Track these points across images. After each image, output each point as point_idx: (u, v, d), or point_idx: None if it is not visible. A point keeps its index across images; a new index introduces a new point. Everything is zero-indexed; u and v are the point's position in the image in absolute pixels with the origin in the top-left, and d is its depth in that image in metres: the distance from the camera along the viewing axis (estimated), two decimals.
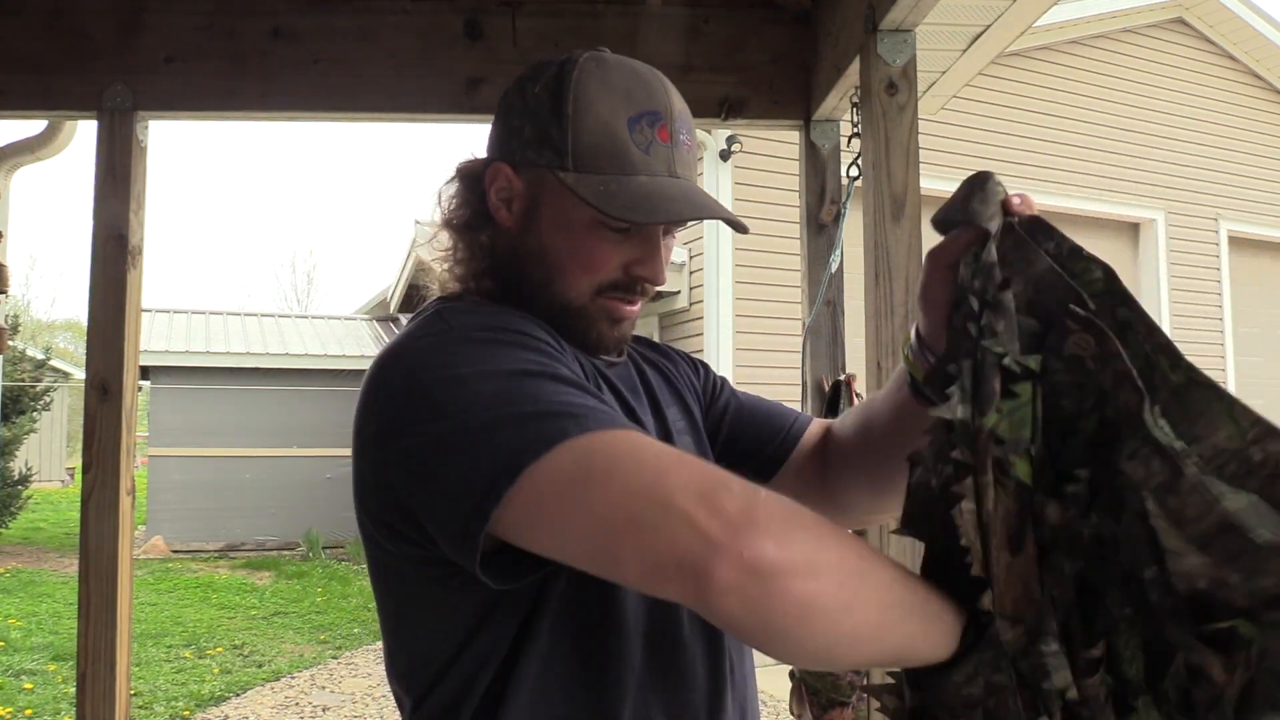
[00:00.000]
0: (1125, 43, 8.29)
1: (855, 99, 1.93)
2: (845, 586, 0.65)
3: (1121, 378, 0.66)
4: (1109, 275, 0.71)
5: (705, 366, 1.23)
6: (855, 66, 1.86)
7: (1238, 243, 8.80)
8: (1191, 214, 8.46)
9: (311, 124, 6.53)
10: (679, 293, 7.10)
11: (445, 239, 1.02)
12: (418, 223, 8.27)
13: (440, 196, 1.03)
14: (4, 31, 2.15)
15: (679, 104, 0.95)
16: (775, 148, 6.49)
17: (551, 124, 0.92)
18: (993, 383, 0.70)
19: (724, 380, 1.23)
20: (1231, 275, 8.72)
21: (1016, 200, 0.78)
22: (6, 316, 3.03)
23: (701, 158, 6.80)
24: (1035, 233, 0.75)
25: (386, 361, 0.85)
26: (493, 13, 2.22)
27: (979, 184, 0.79)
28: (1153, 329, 0.67)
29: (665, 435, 1.03)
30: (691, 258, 7.00)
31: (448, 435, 0.75)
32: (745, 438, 1.15)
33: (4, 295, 3.15)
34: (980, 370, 0.71)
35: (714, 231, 6.68)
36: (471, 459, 0.73)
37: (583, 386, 0.79)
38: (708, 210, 0.93)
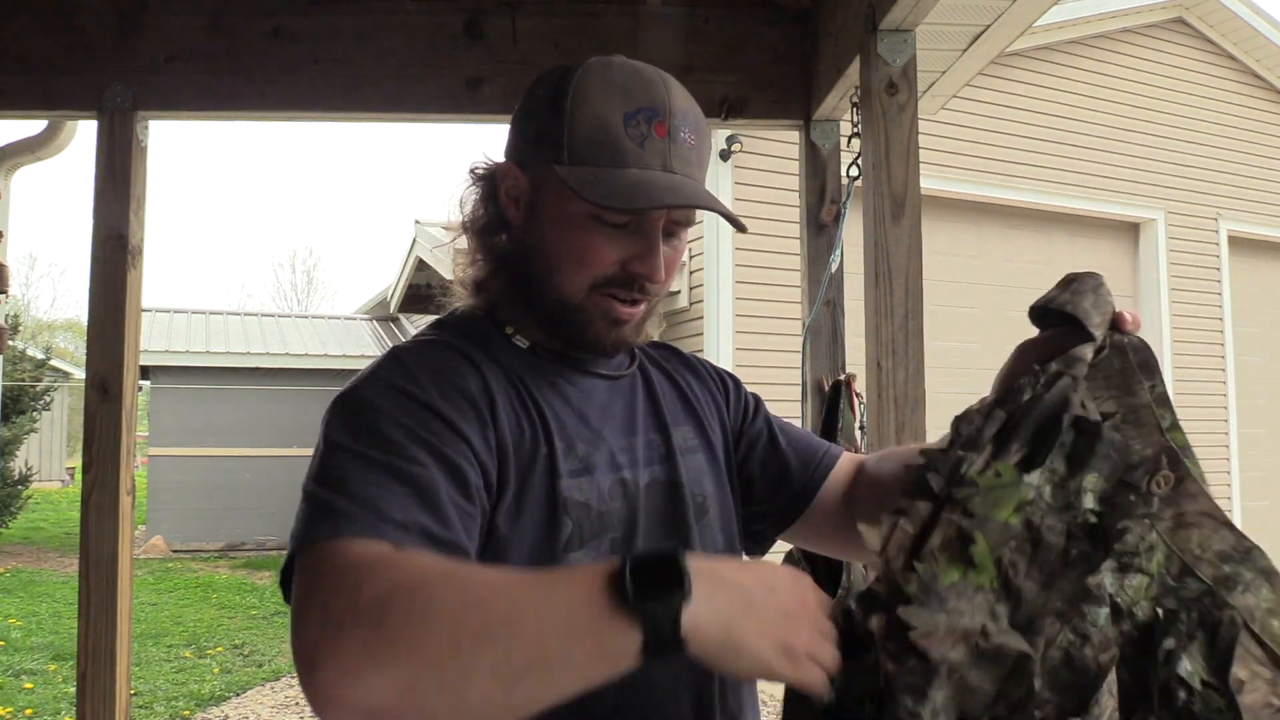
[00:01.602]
0: (1125, 43, 8.28)
1: (855, 99, 1.93)
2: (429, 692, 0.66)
3: (1208, 518, 0.70)
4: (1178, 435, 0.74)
5: (737, 385, 1.20)
6: (855, 66, 1.86)
7: (1238, 243, 8.80)
8: (1191, 214, 8.46)
9: (311, 124, 6.53)
10: (679, 293, 7.09)
11: (464, 242, 1.05)
12: (418, 223, 8.26)
13: (461, 201, 1.05)
14: (4, 31, 2.15)
15: (682, 102, 0.95)
16: (775, 148, 6.49)
17: (551, 120, 0.95)
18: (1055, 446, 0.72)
19: (758, 403, 1.20)
20: (1231, 275, 8.71)
21: (1129, 317, 0.77)
22: (6, 316, 3.03)
23: None
24: (1145, 365, 0.74)
25: (339, 395, 0.92)
26: (493, 13, 2.22)
27: (1092, 285, 0.77)
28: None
29: (668, 453, 1.03)
30: (691, 257, 6.99)
31: (306, 489, 0.85)
32: (773, 468, 1.14)
33: (4, 295, 3.15)
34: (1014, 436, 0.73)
35: (714, 231, 6.68)
36: (301, 516, 0.82)
37: (411, 470, 0.81)
38: (693, 199, 0.92)
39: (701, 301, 6.77)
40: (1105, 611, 0.67)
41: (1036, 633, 0.66)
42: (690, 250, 6.99)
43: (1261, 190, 8.85)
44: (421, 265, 8.14)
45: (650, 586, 0.66)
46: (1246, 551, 0.70)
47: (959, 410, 0.77)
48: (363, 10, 2.21)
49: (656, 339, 1.16)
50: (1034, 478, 0.70)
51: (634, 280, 0.96)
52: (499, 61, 2.22)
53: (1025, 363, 0.79)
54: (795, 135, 2.35)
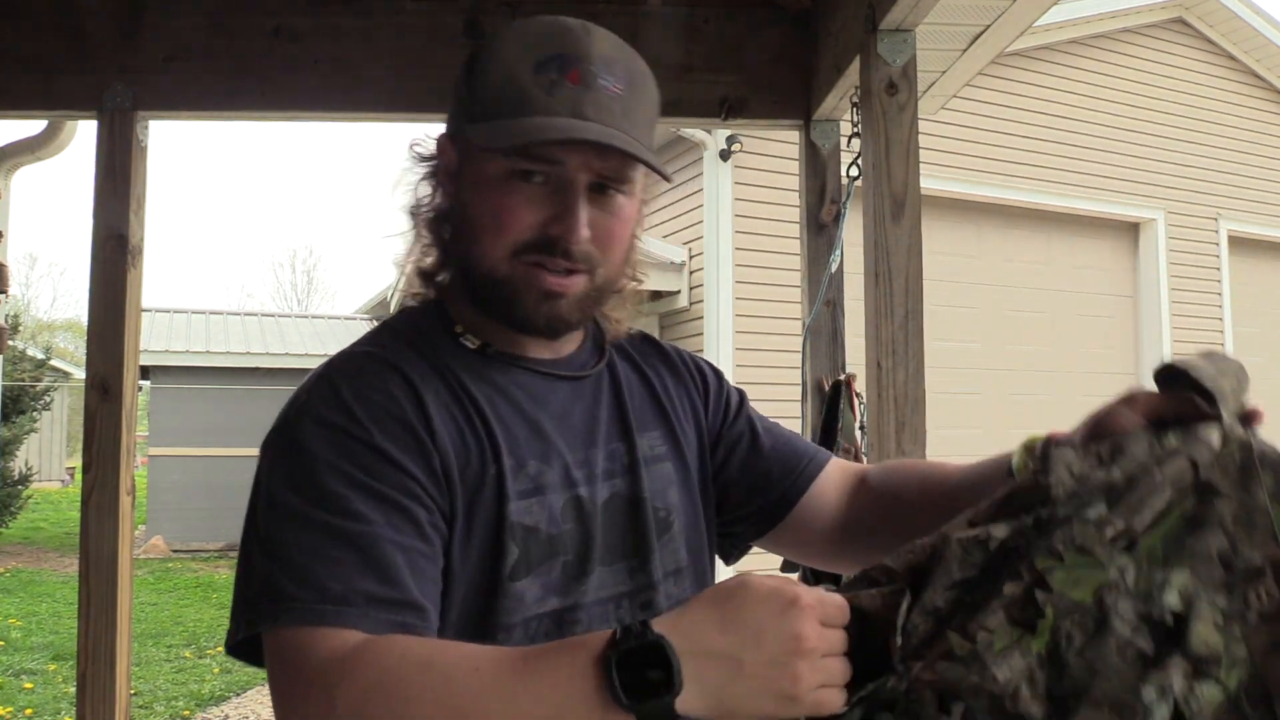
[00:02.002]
0: (1125, 43, 8.28)
1: (855, 99, 1.93)
2: None
3: None
4: None
5: (719, 380, 1.12)
6: (855, 66, 1.86)
7: (1238, 243, 8.80)
8: (1191, 214, 8.46)
9: (311, 124, 6.53)
10: (679, 293, 7.09)
11: (415, 232, 0.99)
12: None
13: (406, 184, 0.98)
14: (4, 31, 2.15)
15: (609, 50, 0.89)
16: (775, 148, 6.48)
17: (466, 82, 0.90)
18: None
19: (742, 401, 1.12)
20: (1231, 275, 8.72)
21: (1263, 415, 0.73)
22: (6, 316, 3.03)
23: (701, 158, 6.80)
24: (1271, 466, 0.68)
25: (274, 424, 0.87)
26: (493, 13, 2.22)
27: (1237, 368, 0.73)
28: None
29: (631, 464, 0.96)
30: (691, 258, 7.00)
31: (246, 542, 0.82)
32: (753, 473, 1.07)
33: (4, 295, 3.15)
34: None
35: (714, 232, 6.68)
36: (242, 580, 0.81)
37: (354, 529, 0.77)
38: (588, 136, 0.83)
39: (701, 301, 6.77)
40: (1165, 712, 0.62)
41: (1070, 713, 0.63)
42: (690, 250, 6.99)
43: (1261, 190, 8.85)
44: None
45: (639, 685, 0.64)
46: None
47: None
48: (363, 10, 2.21)
49: (647, 333, 1.11)
50: (1123, 559, 0.66)
51: (554, 244, 0.86)
52: None
53: (1131, 418, 0.74)
54: (795, 135, 2.35)
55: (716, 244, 6.67)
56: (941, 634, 0.67)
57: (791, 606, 0.66)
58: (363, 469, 0.79)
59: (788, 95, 2.29)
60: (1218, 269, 8.61)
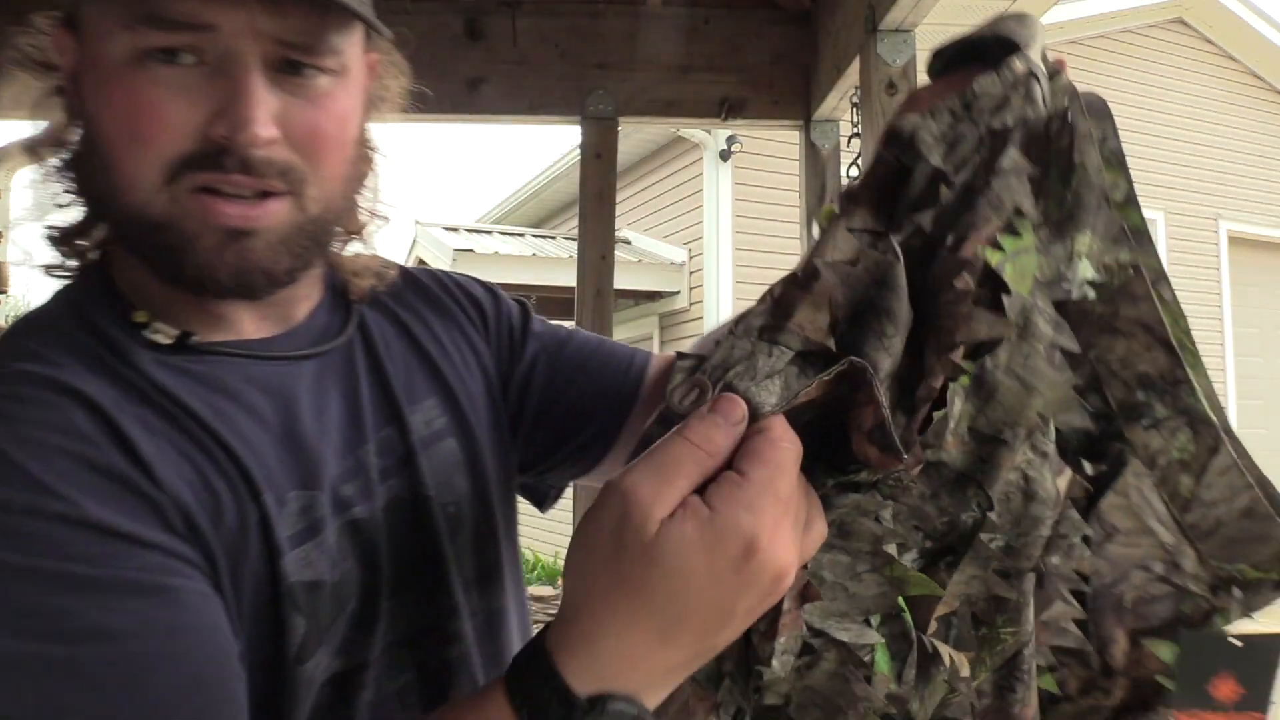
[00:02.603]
0: (1125, 43, 8.28)
1: (855, 99, 1.93)
2: None
3: (1143, 330, 0.53)
4: (1135, 202, 0.54)
5: (496, 300, 0.85)
6: (855, 66, 1.86)
7: (1237, 243, 8.80)
8: (1191, 214, 8.46)
9: None
10: (679, 293, 7.10)
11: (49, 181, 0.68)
12: (418, 223, 8.27)
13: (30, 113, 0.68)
14: (4, 31, 2.15)
15: None
16: (775, 148, 6.48)
17: None
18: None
19: (526, 316, 0.86)
20: (1231, 275, 8.72)
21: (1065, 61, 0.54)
22: (6, 316, 3.03)
23: (701, 158, 6.80)
24: (1097, 113, 0.53)
25: None
26: (493, 13, 2.22)
27: (1017, 17, 0.54)
28: (1168, 282, 0.54)
29: (407, 454, 0.71)
30: (691, 258, 7.00)
31: None
32: (563, 406, 0.83)
33: (4, 294, 3.16)
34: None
35: (714, 232, 6.69)
36: None
37: (102, 654, 0.51)
38: None
39: (701, 302, 6.77)
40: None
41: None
42: (690, 250, 6.99)
43: (1261, 190, 8.85)
44: (422, 265, 8.15)
45: None
46: (1175, 384, 0.52)
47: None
48: None
49: (404, 266, 0.82)
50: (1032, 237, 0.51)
51: (223, 153, 0.58)
52: (499, 62, 2.22)
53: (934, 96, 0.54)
54: (795, 135, 2.35)
55: (716, 244, 6.67)
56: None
57: (750, 556, 0.44)
58: (79, 560, 0.52)
59: (788, 95, 2.29)
60: (1217, 269, 8.61)
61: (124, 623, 0.52)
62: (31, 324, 0.64)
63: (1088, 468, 0.53)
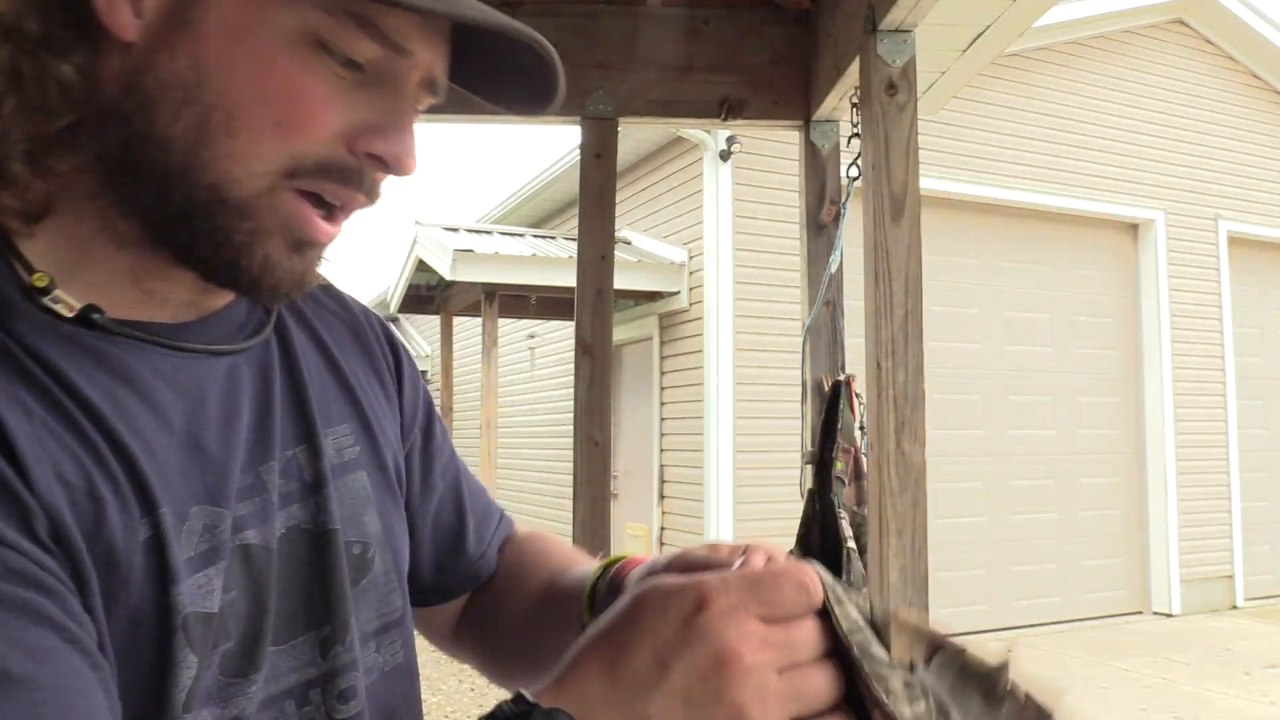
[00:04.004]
0: (1125, 43, 8.28)
1: (855, 99, 1.93)
2: None
3: None
4: None
5: (414, 370, 0.78)
6: (855, 67, 1.86)
7: (1237, 243, 8.80)
8: (1191, 214, 8.46)
9: None
10: (679, 293, 7.10)
11: None
12: (418, 223, 8.27)
13: None
14: None
15: None
16: (775, 148, 6.49)
17: None
18: None
19: (431, 409, 0.79)
20: (1231, 275, 8.72)
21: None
22: None
23: (701, 158, 6.81)
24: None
25: None
26: None
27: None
28: None
29: (316, 480, 0.63)
30: (691, 258, 7.00)
31: None
32: (439, 527, 0.78)
33: None
34: None
35: (714, 232, 6.68)
36: None
37: None
38: (485, 15, 0.55)
39: (701, 302, 6.77)
40: None
41: None
42: (690, 251, 6.99)
43: (1261, 190, 8.85)
44: (422, 266, 8.14)
45: None
46: None
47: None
48: None
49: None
50: None
51: (363, 169, 0.56)
52: None
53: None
54: (795, 135, 2.35)
55: (716, 244, 6.67)
56: None
57: (699, 611, 0.43)
58: None
59: (788, 95, 2.29)
60: (1217, 269, 8.62)
61: None
62: None
63: None
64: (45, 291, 0.53)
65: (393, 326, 0.79)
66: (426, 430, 0.77)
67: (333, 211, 0.57)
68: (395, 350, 0.76)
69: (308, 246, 0.57)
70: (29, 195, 0.52)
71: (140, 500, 0.52)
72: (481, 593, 0.82)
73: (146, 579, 0.51)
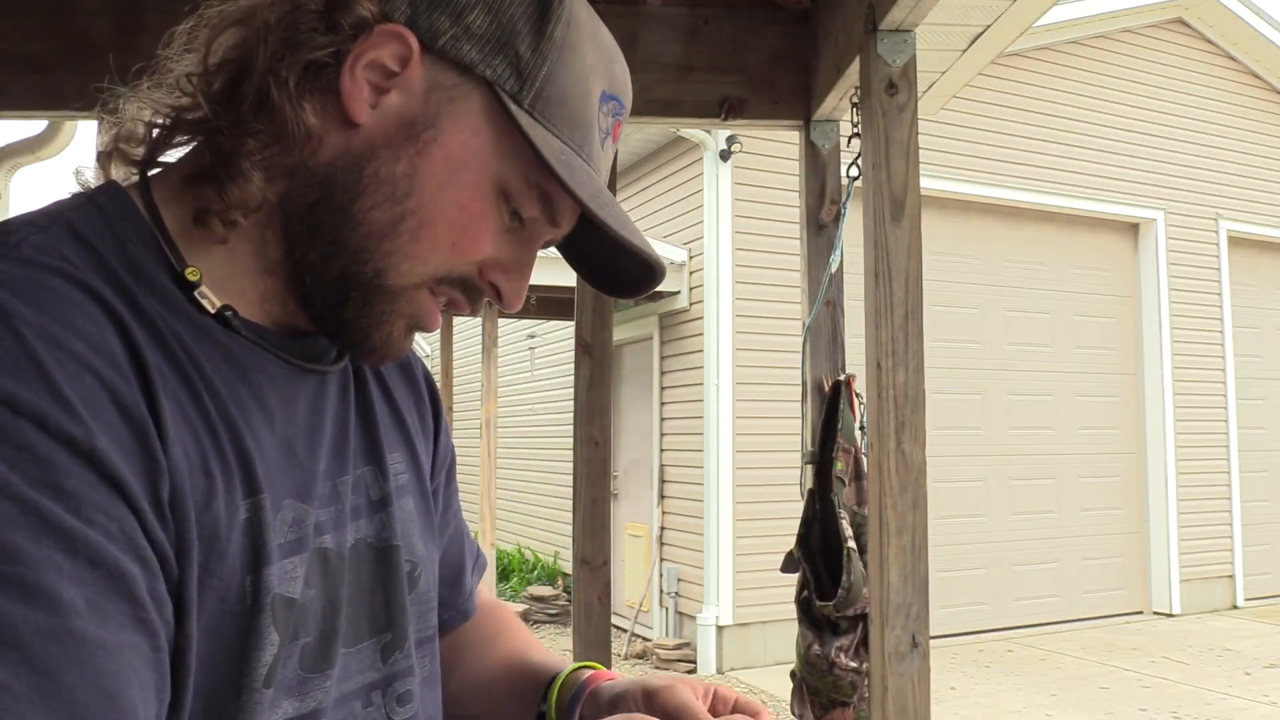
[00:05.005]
0: (1125, 43, 8.29)
1: (855, 99, 1.93)
2: None
3: None
4: None
5: (441, 415, 0.85)
6: (855, 66, 1.86)
7: (1237, 242, 8.80)
8: (1191, 214, 8.46)
9: None
10: (679, 293, 7.10)
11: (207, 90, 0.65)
12: None
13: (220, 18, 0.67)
14: (4, 31, 2.15)
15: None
16: (775, 148, 6.49)
17: (525, 33, 0.61)
18: None
19: (452, 461, 0.87)
20: (1231, 275, 8.72)
21: None
22: None
23: (701, 158, 6.81)
24: None
25: None
26: None
27: None
28: None
29: (382, 498, 0.71)
30: (691, 258, 7.00)
31: None
32: (444, 575, 0.83)
33: None
34: None
35: (714, 232, 6.69)
36: None
37: (50, 629, 0.44)
38: (648, 255, 0.67)
39: (701, 302, 6.77)
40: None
41: None
42: (690, 251, 7.00)
43: (1261, 190, 8.85)
44: None
45: None
46: None
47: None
48: None
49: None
50: None
51: (481, 291, 0.66)
52: None
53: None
54: (795, 135, 2.35)
55: (716, 244, 6.67)
56: None
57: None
58: (63, 498, 0.46)
59: (788, 95, 2.29)
60: (1217, 269, 8.62)
61: (71, 596, 0.45)
62: (50, 220, 0.56)
63: None
64: (195, 285, 0.59)
65: (433, 385, 0.88)
66: (449, 473, 0.86)
67: (447, 308, 0.67)
68: (434, 393, 0.84)
69: (413, 333, 0.66)
70: (248, 194, 0.59)
71: (245, 483, 0.58)
72: (447, 636, 0.87)
73: (241, 557, 0.56)
